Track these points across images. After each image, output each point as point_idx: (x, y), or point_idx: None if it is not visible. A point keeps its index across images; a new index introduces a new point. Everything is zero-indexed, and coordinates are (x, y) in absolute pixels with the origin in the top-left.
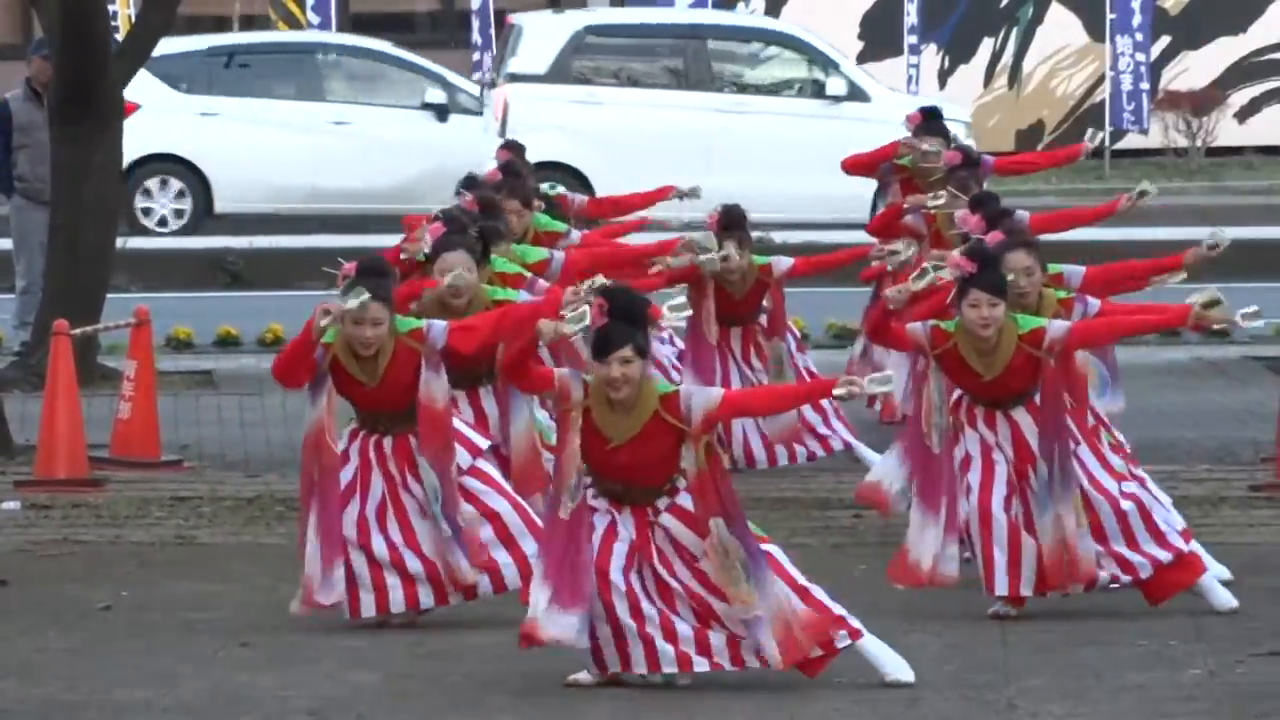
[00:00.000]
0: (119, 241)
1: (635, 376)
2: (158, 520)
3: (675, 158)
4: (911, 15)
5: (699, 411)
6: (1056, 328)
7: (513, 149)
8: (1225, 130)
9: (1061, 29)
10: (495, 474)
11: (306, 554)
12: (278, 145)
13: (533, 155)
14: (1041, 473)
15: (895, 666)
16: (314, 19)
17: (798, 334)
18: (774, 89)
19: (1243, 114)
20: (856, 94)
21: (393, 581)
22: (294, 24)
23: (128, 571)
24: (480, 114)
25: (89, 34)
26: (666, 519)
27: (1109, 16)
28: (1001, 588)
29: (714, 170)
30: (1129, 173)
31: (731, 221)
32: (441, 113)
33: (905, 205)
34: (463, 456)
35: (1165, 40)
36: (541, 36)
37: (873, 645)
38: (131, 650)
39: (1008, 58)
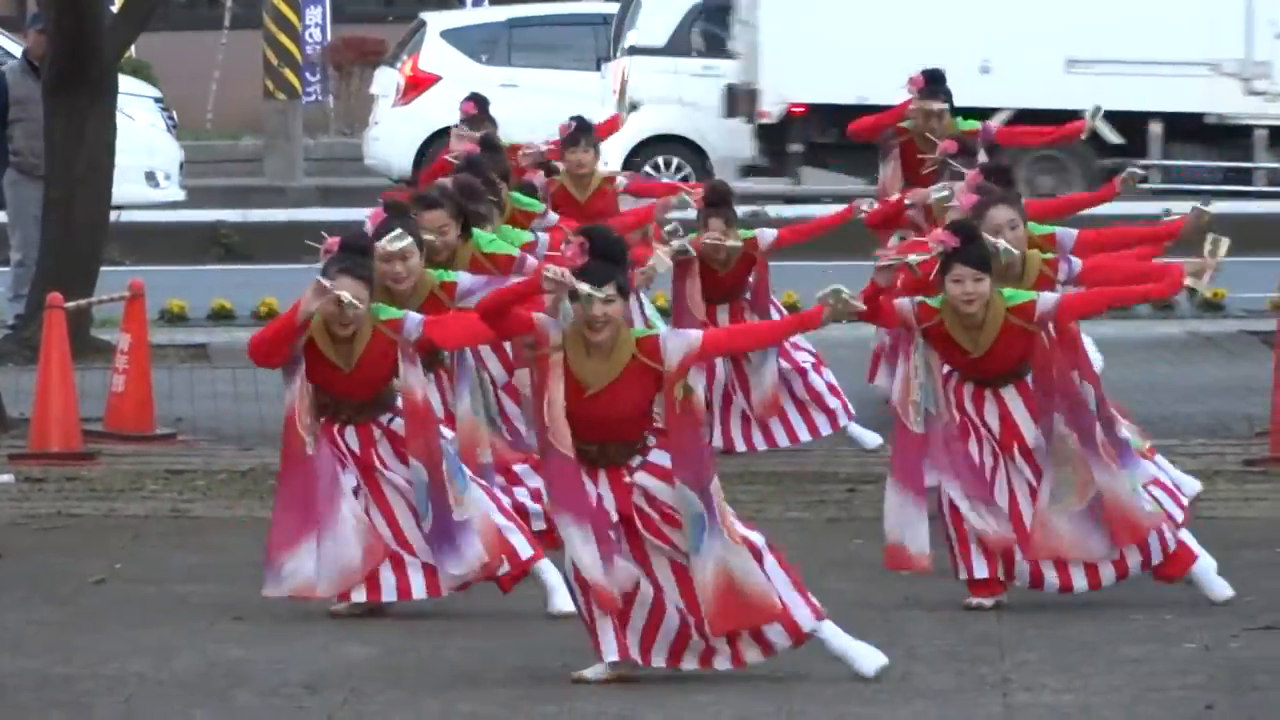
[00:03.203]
0: (113, 215)
1: (616, 317)
2: (152, 494)
3: None
4: None
5: (676, 354)
6: (1046, 300)
7: (477, 102)
8: None
9: None
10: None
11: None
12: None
13: (651, 127)
14: (1036, 444)
15: (865, 659)
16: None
17: (783, 310)
18: None
19: None
20: None
21: (384, 571)
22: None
23: (122, 545)
24: None
25: (82, 6)
26: (642, 477)
27: None
28: (980, 571)
29: None
30: None
31: (718, 199)
32: None
33: (908, 200)
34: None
35: None
36: (659, 9)
37: (837, 641)
38: (125, 624)
39: None
